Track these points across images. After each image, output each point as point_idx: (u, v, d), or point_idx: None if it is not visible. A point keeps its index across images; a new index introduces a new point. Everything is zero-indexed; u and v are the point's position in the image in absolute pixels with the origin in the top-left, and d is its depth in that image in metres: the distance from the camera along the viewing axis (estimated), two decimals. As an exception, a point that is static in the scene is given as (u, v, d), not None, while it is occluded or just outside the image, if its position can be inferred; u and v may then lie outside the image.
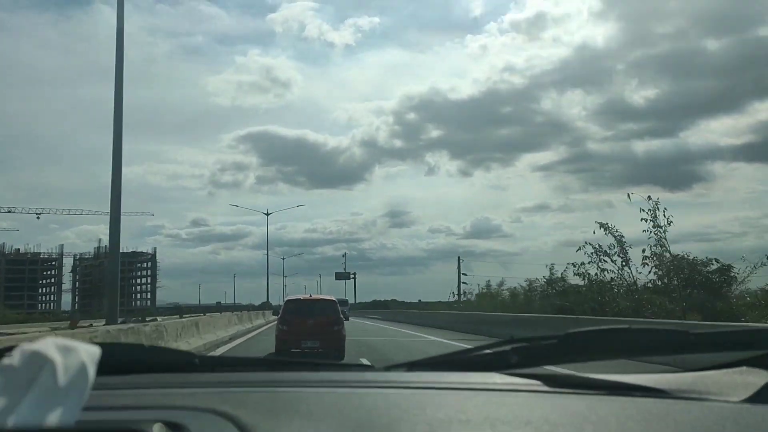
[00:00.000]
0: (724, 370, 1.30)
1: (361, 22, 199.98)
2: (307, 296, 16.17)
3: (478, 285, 49.26)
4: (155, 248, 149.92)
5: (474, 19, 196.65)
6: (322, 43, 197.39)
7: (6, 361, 0.78)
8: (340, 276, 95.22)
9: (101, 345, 1.11)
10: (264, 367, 1.47)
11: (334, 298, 15.82)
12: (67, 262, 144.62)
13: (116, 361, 1.25)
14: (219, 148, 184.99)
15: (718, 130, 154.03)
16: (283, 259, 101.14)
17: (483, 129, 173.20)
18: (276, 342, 14.31)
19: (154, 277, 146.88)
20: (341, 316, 14.86)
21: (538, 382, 1.22)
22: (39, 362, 0.78)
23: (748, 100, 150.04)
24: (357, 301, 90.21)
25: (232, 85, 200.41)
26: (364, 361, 12.19)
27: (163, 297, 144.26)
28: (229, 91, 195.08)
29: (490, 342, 1.52)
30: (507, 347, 1.31)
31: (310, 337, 13.86)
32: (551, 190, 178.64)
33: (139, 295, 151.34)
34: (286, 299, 16.79)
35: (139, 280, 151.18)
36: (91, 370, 0.83)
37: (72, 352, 0.83)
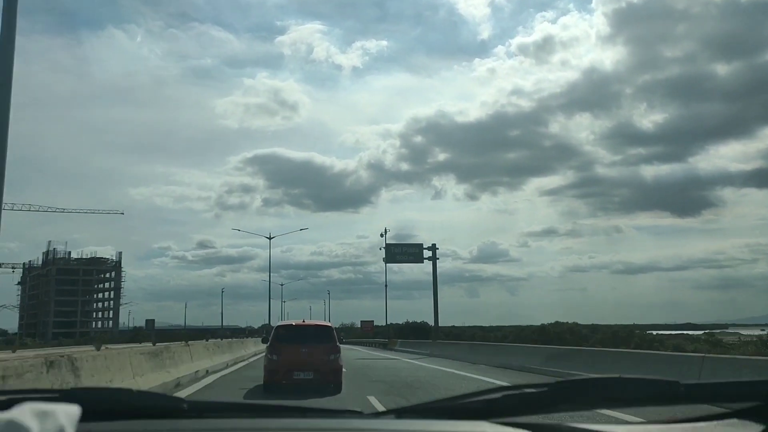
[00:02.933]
0: (715, 422, 1.33)
1: (369, 45, 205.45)
2: (300, 322, 14.21)
3: None
4: (120, 252, 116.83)
5: (482, 43, 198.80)
6: (329, 65, 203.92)
7: None
8: (398, 253, 44.13)
9: (86, 390, 1.21)
10: (253, 414, 1.43)
11: (330, 324, 14.63)
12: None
13: (102, 407, 1.24)
14: (226, 170, 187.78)
15: (727, 155, 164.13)
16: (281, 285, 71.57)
17: (490, 152, 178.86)
18: (264, 373, 12.86)
19: (117, 291, 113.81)
20: (338, 344, 13.13)
21: None
22: (15, 431, 0.77)
23: (758, 125, 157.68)
24: (404, 321, 56.66)
25: (240, 108, 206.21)
26: (373, 400, 11.07)
27: (149, 317, 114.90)
28: (237, 114, 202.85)
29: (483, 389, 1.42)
30: (497, 394, 1.30)
31: (303, 367, 12.46)
32: (559, 215, 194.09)
33: (101, 314, 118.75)
34: (276, 325, 14.56)
35: (101, 294, 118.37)
36: None
37: (49, 417, 0.83)
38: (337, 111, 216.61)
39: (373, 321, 78.69)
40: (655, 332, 45.61)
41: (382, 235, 47.61)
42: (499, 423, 1.25)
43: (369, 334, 74.31)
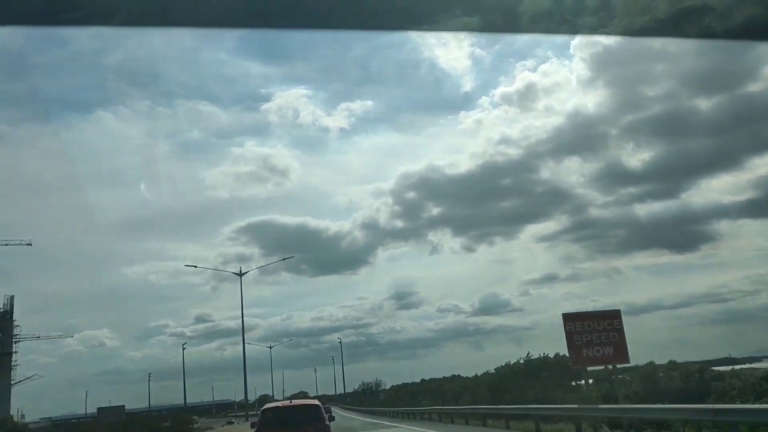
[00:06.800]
0: None
1: (354, 107, 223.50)
2: (286, 403, 15.22)
3: None
4: (12, 297, 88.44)
5: (465, 95, 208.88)
6: (317, 128, 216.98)
7: None
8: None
9: None
10: None
11: (318, 402, 14.72)
12: None
13: None
14: (220, 241, 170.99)
15: (719, 188, 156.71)
16: (269, 347, 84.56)
17: (483, 203, 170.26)
18: None
19: (6, 359, 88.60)
20: (327, 422, 13.41)
21: None
22: None
23: (746, 156, 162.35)
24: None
25: (230, 177, 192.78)
26: None
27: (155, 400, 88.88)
28: (227, 183, 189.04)
29: None
30: None
31: None
32: (557, 260, 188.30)
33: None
34: (263, 408, 14.94)
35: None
36: None
37: None
38: (327, 173, 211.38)
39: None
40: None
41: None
42: None
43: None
